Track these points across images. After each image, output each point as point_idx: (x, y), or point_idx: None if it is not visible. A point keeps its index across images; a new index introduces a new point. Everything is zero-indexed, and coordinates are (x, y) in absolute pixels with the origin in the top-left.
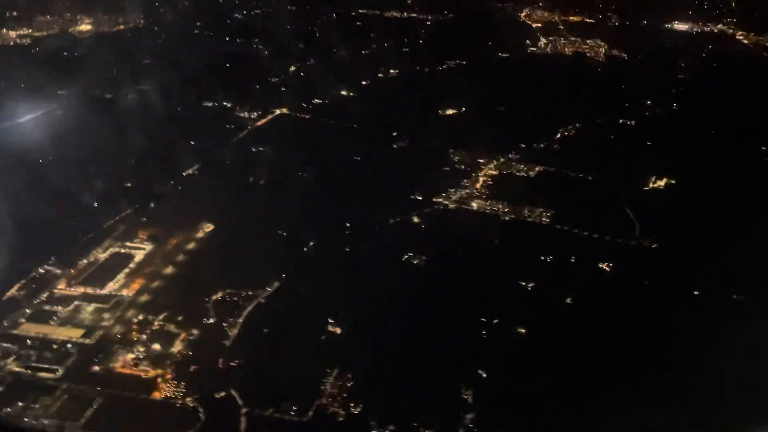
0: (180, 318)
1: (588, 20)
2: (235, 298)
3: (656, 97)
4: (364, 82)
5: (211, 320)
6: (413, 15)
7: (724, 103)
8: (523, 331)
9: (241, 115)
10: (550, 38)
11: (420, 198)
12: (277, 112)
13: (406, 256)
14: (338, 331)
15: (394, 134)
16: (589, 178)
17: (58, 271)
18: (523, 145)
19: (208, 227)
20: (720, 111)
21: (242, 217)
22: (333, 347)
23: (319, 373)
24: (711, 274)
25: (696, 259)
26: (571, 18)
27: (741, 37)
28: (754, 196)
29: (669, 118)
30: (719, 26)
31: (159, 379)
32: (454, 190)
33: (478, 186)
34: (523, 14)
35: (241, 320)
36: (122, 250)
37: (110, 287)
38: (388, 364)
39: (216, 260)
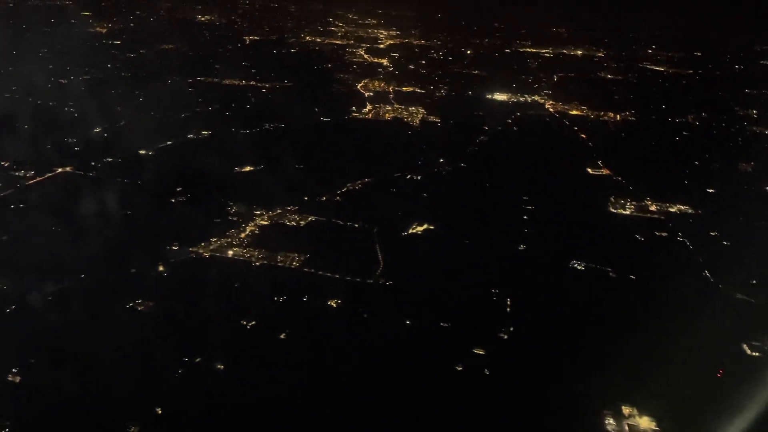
0: None
1: (419, 90)
2: None
3: (450, 156)
4: (168, 142)
5: None
6: (252, 83)
7: (508, 161)
8: (221, 366)
9: (15, 173)
10: (376, 105)
11: (176, 248)
12: (59, 170)
13: (131, 304)
14: (17, 380)
15: (178, 189)
16: (356, 225)
17: None
18: (306, 198)
19: None
20: (501, 167)
21: None
22: (3, 396)
23: None
24: (425, 306)
25: (418, 294)
26: (404, 89)
27: (549, 107)
28: (504, 240)
29: (452, 174)
30: (534, 97)
31: None
32: (215, 239)
33: (242, 236)
34: (359, 85)
35: None
36: None
37: None
38: (58, 410)
39: None
